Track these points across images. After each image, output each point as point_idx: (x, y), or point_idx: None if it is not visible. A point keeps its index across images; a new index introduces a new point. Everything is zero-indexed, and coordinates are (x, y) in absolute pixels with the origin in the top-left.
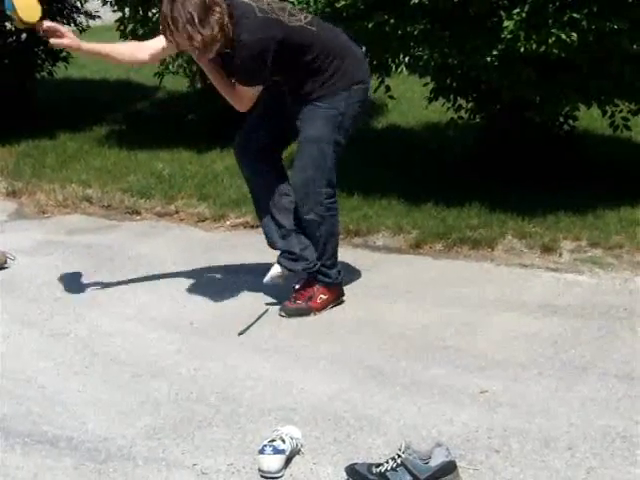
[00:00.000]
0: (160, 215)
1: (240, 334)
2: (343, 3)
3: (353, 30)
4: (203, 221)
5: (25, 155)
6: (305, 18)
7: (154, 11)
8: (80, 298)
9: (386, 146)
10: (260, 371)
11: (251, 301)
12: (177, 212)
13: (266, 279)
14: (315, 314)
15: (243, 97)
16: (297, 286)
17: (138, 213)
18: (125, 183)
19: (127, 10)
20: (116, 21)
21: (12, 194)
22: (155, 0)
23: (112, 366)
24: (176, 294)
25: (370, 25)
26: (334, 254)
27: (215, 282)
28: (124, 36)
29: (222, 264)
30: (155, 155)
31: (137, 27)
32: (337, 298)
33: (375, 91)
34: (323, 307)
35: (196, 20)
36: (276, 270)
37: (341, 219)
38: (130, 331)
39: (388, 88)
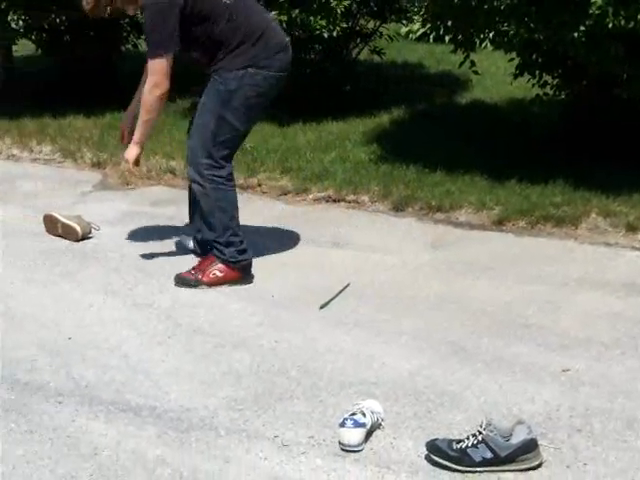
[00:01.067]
0: (243, 188)
1: (321, 308)
2: None
3: (439, 5)
4: (285, 194)
5: (110, 127)
6: None
7: None
8: (163, 269)
9: (470, 122)
10: (341, 345)
11: (332, 274)
12: (259, 185)
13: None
14: (202, 287)
15: (159, 72)
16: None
17: None
18: None
19: None
20: None
21: (97, 165)
22: None
23: (194, 337)
24: (257, 266)
25: (456, 0)
26: (226, 231)
27: (296, 255)
28: None
29: (303, 237)
30: None
31: None
32: (236, 279)
33: (460, 66)
34: (215, 282)
35: None
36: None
37: (423, 194)
38: (212, 302)
39: (473, 63)
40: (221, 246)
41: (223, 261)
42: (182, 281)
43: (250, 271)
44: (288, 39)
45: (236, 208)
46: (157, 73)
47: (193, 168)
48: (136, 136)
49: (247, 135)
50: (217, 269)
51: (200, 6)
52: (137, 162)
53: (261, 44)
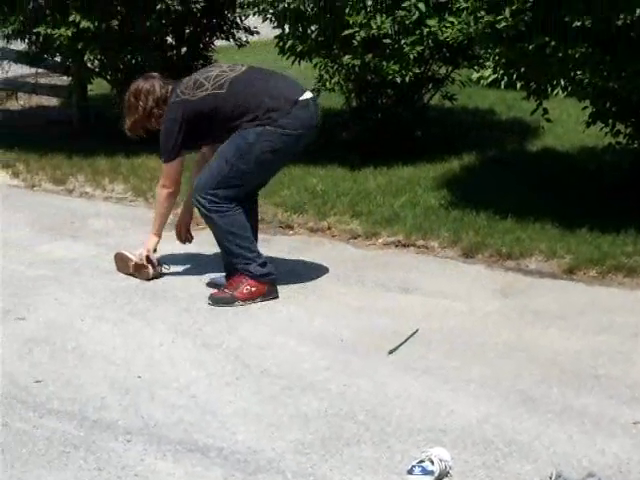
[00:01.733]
0: (312, 231)
1: (390, 353)
2: (504, 24)
3: (513, 52)
4: (355, 238)
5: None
6: (215, 83)
7: (313, 28)
8: (232, 310)
9: (541, 169)
10: (410, 390)
11: (401, 320)
12: (329, 228)
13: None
14: (240, 303)
15: (166, 176)
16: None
17: (291, 228)
18: (278, 198)
19: (287, 27)
20: (275, 37)
21: None
22: (315, 18)
23: (263, 378)
24: (326, 309)
25: (531, 47)
26: (243, 251)
27: (365, 299)
28: (282, 52)
29: (372, 282)
30: (309, 171)
31: (296, 43)
32: (267, 293)
33: (532, 114)
34: (248, 298)
35: (125, 111)
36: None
37: (493, 241)
38: (281, 344)
39: (545, 111)
40: (244, 265)
41: (252, 277)
42: (218, 300)
43: (275, 285)
44: (309, 96)
45: (247, 228)
46: (167, 177)
47: (198, 200)
48: (153, 228)
49: (262, 186)
50: (249, 284)
51: (200, 107)
52: (155, 250)
53: (274, 109)
